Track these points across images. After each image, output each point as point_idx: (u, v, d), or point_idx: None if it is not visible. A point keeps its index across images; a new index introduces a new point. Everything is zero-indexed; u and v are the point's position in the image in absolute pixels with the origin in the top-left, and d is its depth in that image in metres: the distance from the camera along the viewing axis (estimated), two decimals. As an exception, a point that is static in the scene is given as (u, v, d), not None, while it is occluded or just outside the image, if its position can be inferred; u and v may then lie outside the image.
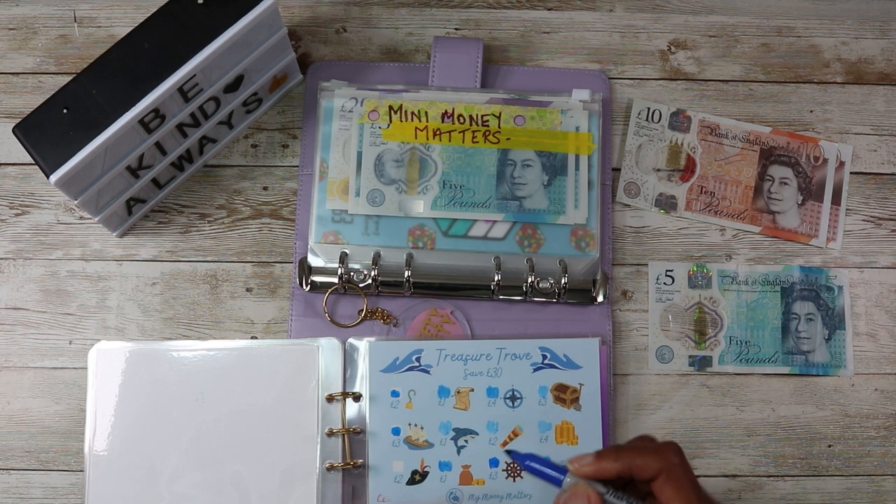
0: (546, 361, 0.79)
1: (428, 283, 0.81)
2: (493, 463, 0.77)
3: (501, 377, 0.78)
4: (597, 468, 0.62)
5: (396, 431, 0.77)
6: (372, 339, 0.79)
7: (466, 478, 0.77)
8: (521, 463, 0.69)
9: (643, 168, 0.86)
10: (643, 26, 0.89)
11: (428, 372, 0.78)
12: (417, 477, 0.77)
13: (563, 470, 0.64)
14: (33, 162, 0.72)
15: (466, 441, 0.77)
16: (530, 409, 0.78)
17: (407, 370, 0.78)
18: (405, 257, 0.81)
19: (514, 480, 0.77)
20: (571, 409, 0.78)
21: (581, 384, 0.78)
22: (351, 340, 0.79)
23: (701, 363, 0.82)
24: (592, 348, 0.79)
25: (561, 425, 0.78)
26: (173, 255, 0.83)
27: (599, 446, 0.77)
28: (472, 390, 0.78)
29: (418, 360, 0.78)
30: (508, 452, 0.73)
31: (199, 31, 0.73)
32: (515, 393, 0.78)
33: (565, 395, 0.78)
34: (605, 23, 0.89)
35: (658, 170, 0.86)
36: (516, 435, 0.77)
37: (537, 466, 0.67)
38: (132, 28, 0.73)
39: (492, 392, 0.78)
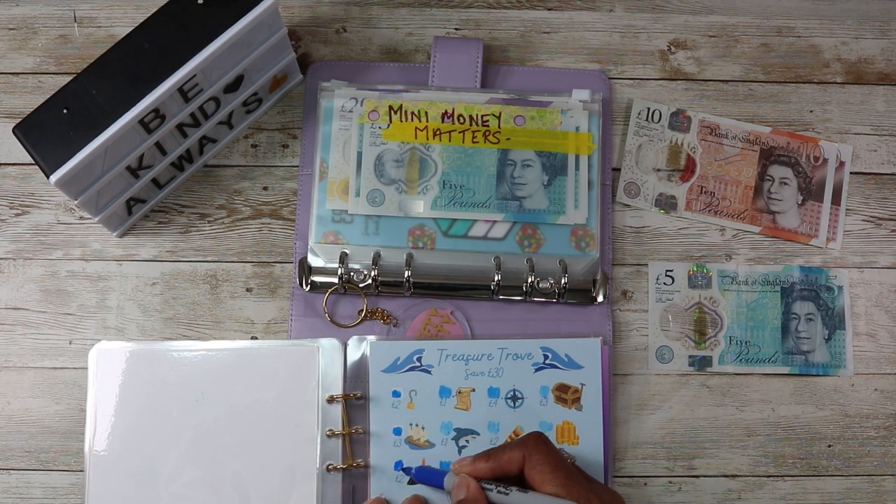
0: (547, 361, 0.79)
1: (428, 283, 0.81)
2: None
3: (503, 377, 0.78)
4: (472, 468, 0.68)
5: (398, 431, 0.77)
6: (373, 338, 0.79)
7: (467, 478, 0.77)
8: (411, 475, 0.73)
9: (643, 168, 0.86)
10: (643, 26, 0.89)
11: (429, 372, 0.78)
12: (418, 477, 0.77)
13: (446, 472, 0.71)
14: (33, 162, 0.72)
15: (468, 441, 0.77)
16: (531, 409, 0.78)
17: (408, 370, 0.78)
18: (405, 257, 0.81)
19: None
20: (573, 409, 0.78)
21: (583, 384, 0.78)
22: (352, 340, 0.79)
23: (701, 363, 0.82)
24: (594, 348, 0.79)
25: (562, 425, 0.78)
26: (173, 255, 0.83)
27: (600, 446, 0.77)
28: (474, 390, 0.78)
29: (419, 360, 0.78)
30: (404, 471, 0.75)
31: (199, 31, 0.73)
32: (517, 393, 0.78)
33: (567, 395, 0.78)
34: (605, 23, 0.89)
35: (658, 170, 0.86)
36: (517, 435, 0.77)
37: (425, 472, 0.73)
38: (132, 28, 0.73)
39: (493, 392, 0.78)
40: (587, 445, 0.77)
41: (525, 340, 0.79)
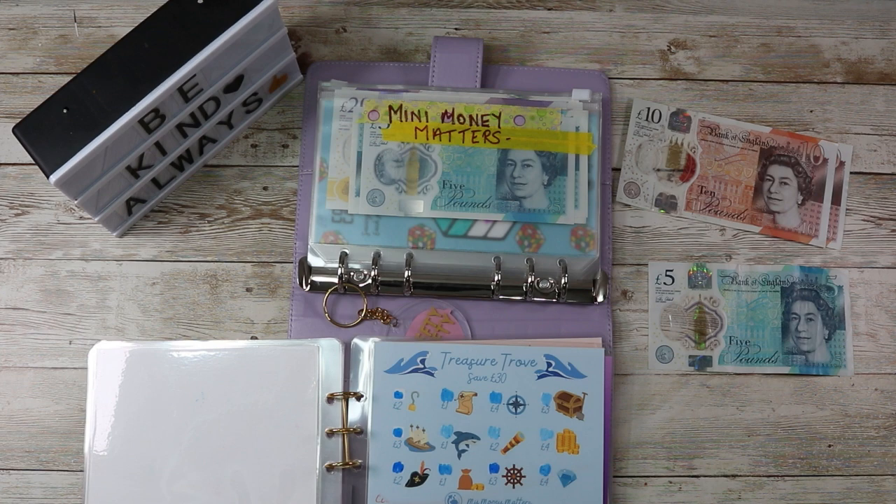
0: (551, 369, 0.78)
1: (428, 283, 0.81)
2: (494, 468, 0.77)
3: (505, 383, 0.78)
4: None
5: (398, 433, 0.77)
6: (377, 339, 0.79)
7: (466, 482, 0.77)
8: None
9: (643, 168, 0.86)
10: (643, 26, 0.89)
11: (432, 374, 0.78)
12: (417, 479, 0.77)
13: None
14: (33, 162, 0.72)
15: (468, 445, 0.77)
16: (533, 416, 0.78)
17: (411, 371, 0.78)
18: (405, 257, 0.81)
19: (514, 487, 0.77)
20: (574, 417, 0.78)
21: (585, 393, 0.78)
22: (356, 341, 0.79)
23: (701, 363, 0.82)
24: (598, 358, 0.79)
25: (563, 434, 0.78)
26: (173, 255, 0.83)
27: (600, 455, 0.77)
28: (476, 395, 0.78)
29: (423, 361, 0.78)
30: None
31: (199, 31, 0.73)
32: (519, 399, 0.78)
33: (568, 403, 0.78)
34: (605, 23, 0.89)
35: (658, 170, 0.86)
36: (518, 442, 0.77)
37: None
38: (132, 28, 0.73)
39: (495, 397, 0.78)
40: (587, 454, 0.77)
41: (529, 347, 0.79)
